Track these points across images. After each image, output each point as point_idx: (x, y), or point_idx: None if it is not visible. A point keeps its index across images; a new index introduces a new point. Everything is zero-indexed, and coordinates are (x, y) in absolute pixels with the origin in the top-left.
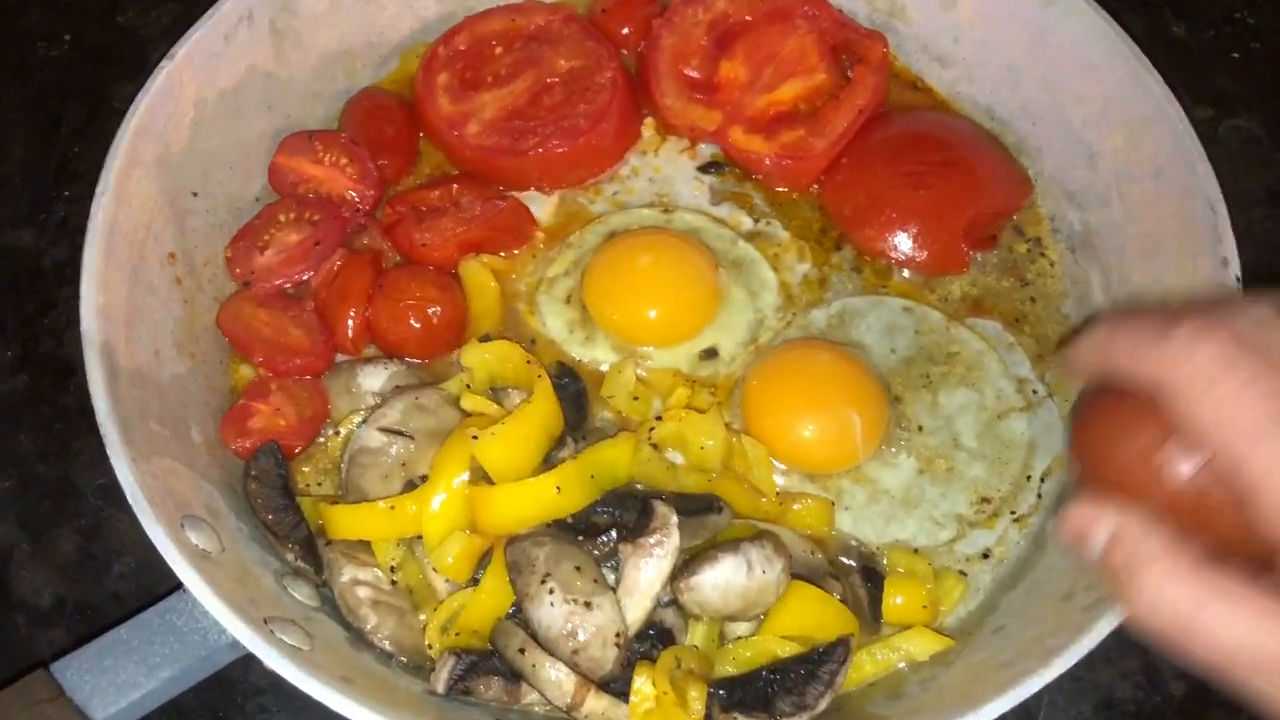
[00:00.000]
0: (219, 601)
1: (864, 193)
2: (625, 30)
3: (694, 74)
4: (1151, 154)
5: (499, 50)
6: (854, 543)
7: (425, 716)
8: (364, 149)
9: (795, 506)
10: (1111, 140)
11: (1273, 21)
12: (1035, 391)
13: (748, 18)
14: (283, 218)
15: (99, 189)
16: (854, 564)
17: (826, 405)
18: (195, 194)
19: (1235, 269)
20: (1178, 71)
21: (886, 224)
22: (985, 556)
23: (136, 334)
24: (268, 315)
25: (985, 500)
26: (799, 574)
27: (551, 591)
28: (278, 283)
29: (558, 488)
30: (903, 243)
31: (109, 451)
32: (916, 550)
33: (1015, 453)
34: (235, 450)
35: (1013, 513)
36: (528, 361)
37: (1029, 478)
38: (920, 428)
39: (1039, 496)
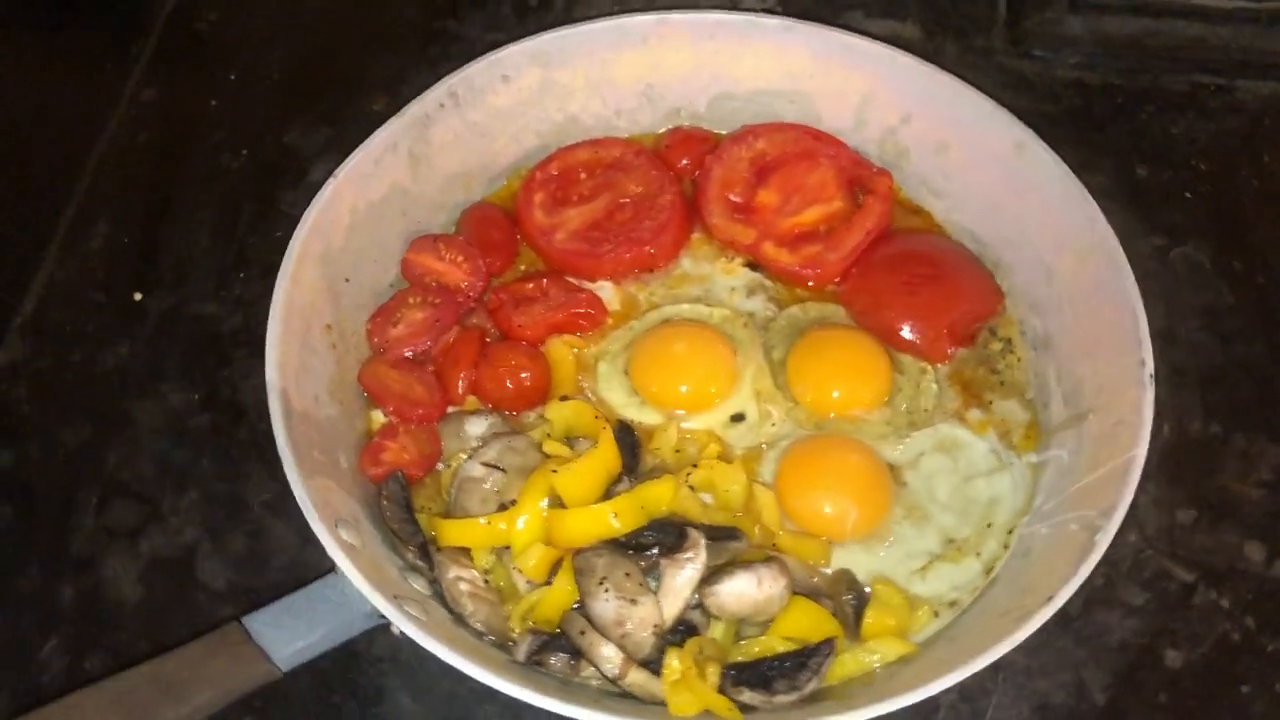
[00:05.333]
0: (364, 580)
1: (870, 296)
2: (684, 162)
3: (736, 199)
4: (1094, 273)
5: (583, 175)
6: (845, 571)
7: (508, 675)
8: (475, 249)
9: (799, 542)
10: (1064, 261)
11: (1219, 169)
12: (999, 460)
13: (781, 155)
14: (411, 300)
15: (280, 274)
16: (844, 587)
17: (835, 499)
18: (347, 280)
19: (1149, 368)
20: (1139, 205)
21: (887, 321)
22: (953, 591)
23: (303, 384)
24: (398, 374)
25: (951, 541)
26: (799, 591)
27: (606, 591)
28: (405, 350)
29: (614, 514)
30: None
31: (286, 470)
32: (893, 580)
33: (977, 506)
34: (370, 476)
35: (977, 554)
36: (595, 417)
37: (989, 525)
38: (905, 483)
39: (1004, 546)
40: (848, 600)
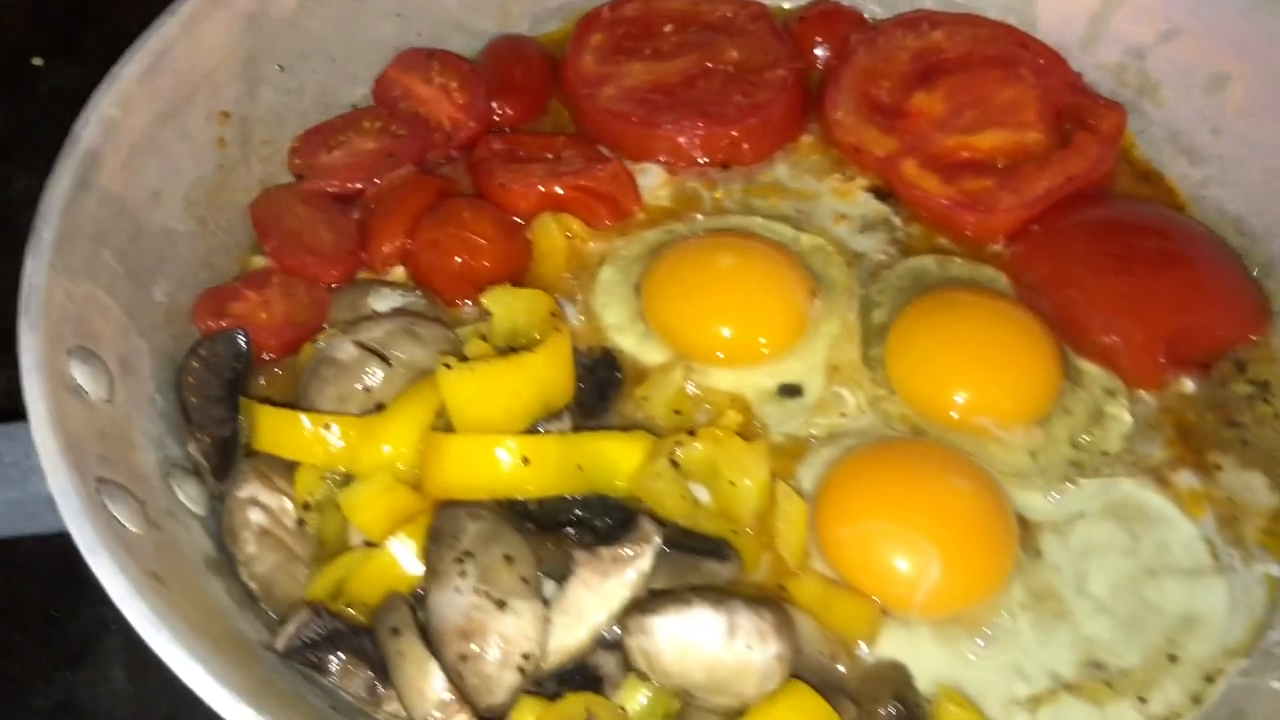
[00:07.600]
0: (52, 437)
1: (1053, 267)
2: (819, 46)
3: (882, 95)
4: None
5: (669, 28)
6: (896, 666)
7: (239, 664)
8: (483, 82)
9: (832, 597)
10: None
11: None
12: (1215, 557)
13: (965, 56)
14: (367, 124)
15: (170, 7)
16: (887, 690)
17: (911, 546)
18: (281, 68)
19: None
20: None
21: (1071, 307)
22: None
23: (142, 165)
24: (305, 211)
25: (1097, 665)
26: (804, 676)
27: (464, 575)
28: (331, 184)
29: (526, 458)
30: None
31: (31, 250)
32: (977, 701)
33: (1158, 621)
34: (202, 327)
35: (1141, 699)
36: (552, 313)
37: (1173, 657)
38: (1040, 553)
39: (1193, 701)
40: (887, 714)
